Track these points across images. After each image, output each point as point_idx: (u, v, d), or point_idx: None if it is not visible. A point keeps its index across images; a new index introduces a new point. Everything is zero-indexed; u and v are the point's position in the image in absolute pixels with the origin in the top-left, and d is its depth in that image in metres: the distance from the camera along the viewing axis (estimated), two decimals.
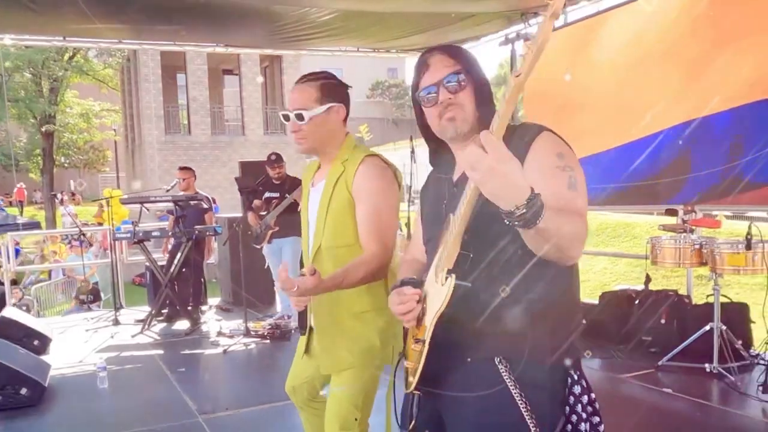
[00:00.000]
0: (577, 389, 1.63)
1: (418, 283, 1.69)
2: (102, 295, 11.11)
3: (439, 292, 1.52)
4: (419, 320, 1.63)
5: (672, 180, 5.14)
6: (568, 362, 1.63)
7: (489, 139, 1.26)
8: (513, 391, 1.56)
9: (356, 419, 2.29)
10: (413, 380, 1.64)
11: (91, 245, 13.10)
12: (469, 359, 1.62)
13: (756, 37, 4.57)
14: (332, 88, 2.33)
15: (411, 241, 2.04)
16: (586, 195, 1.55)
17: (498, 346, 1.59)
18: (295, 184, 6.09)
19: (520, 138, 1.58)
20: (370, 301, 2.28)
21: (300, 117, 2.28)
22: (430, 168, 1.94)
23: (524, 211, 1.28)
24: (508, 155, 1.27)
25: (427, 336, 1.56)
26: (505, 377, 1.58)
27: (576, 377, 1.64)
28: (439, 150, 1.82)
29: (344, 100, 2.35)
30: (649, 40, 5.39)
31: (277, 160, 6.44)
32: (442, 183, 1.79)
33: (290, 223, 5.32)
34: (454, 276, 1.47)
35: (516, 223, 1.31)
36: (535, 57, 1.22)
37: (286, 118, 2.33)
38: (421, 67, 1.72)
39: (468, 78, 1.68)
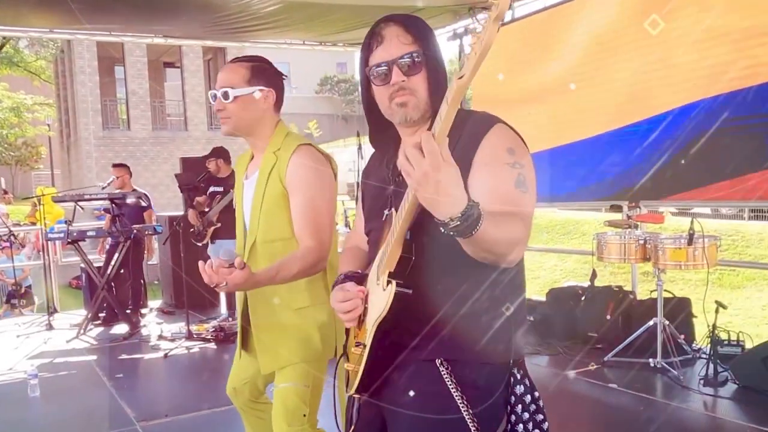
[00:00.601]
0: (519, 389, 1.62)
1: (361, 278, 1.67)
2: (36, 298, 10.79)
3: (380, 297, 1.49)
4: (360, 321, 1.61)
5: (617, 177, 5.28)
6: (510, 362, 1.63)
7: (428, 143, 1.23)
8: (454, 394, 1.55)
9: (304, 415, 2.28)
10: (354, 384, 1.62)
11: (23, 246, 12.69)
12: (409, 361, 1.60)
13: (703, 39, 4.73)
14: (263, 71, 2.31)
15: (354, 227, 1.99)
16: (535, 193, 1.53)
17: (439, 347, 1.57)
18: None
19: (472, 129, 1.55)
20: (309, 296, 2.28)
21: (225, 95, 2.26)
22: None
23: (458, 223, 1.27)
24: (445, 163, 1.24)
25: (368, 341, 1.54)
26: (446, 379, 1.56)
27: (519, 377, 1.63)
28: (382, 129, 1.74)
29: (275, 86, 2.33)
30: (599, 35, 5.51)
31: (210, 154, 6.40)
32: (385, 169, 1.74)
33: (234, 223, 5.27)
34: (394, 283, 1.45)
35: (450, 233, 1.29)
36: (479, 59, 1.18)
37: (213, 97, 2.29)
38: (374, 38, 1.63)
39: (424, 60, 1.59)
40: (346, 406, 1.81)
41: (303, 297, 2.28)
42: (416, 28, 1.62)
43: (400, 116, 1.62)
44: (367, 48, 1.64)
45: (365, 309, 1.59)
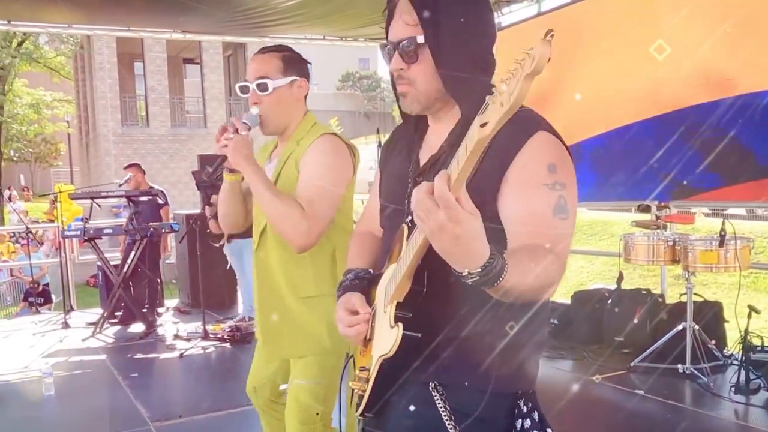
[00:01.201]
0: (525, 423, 1.46)
1: (372, 279, 1.59)
2: (53, 297, 10.93)
3: (385, 332, 1.40)
4: (366, 340, 1.54)
5: (645, 175, 5.22)
6: (518, 391, 1.48)
7: (443, 197, 1.07)
8: (446, 422, 1.43)
9: (318, 413, 2.27)
10: (360, 406, 1.56)
11: (41, 244, 12.86)
12: (410, 383, 1.50)
13: (735, 33, 4.66)
14: (296, 61, 2.32)
15: (366, 209, 1.86)
16: (575, 215, 1.37)
17: (437, 370, 1.46)
18: None
19: (508, 135, 1.23)
20: (315, 285, 2.27)
21: (263, 87, 2.24)
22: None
23: (477, 277, 1.14)
24: (465, 214, 1.08)
25: (373, 372, 1.47)
26: (438, 405, 1.45)
27: (525, 409, 1.47)
28: None
29: (307, 75, 2.33)
30: (627, 29, 5.46)
31: None
32: (406, 161, 1.59)
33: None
34: (401, 327, 1.35)
35: (468, 283, 1.17)
36: (505, 115, 1.03)
37: (245, 89, 2.27)
38: (390, 13, 1.49)
39: (429, 45, 1.41)
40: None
41: (309, 285, 2.27)
42: (426, 2, 1.41)
43: (402, 105, 1.51)
44: (387, 22, 1.51)
45: (372, 329, 1.52)
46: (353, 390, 1.61)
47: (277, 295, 2.32)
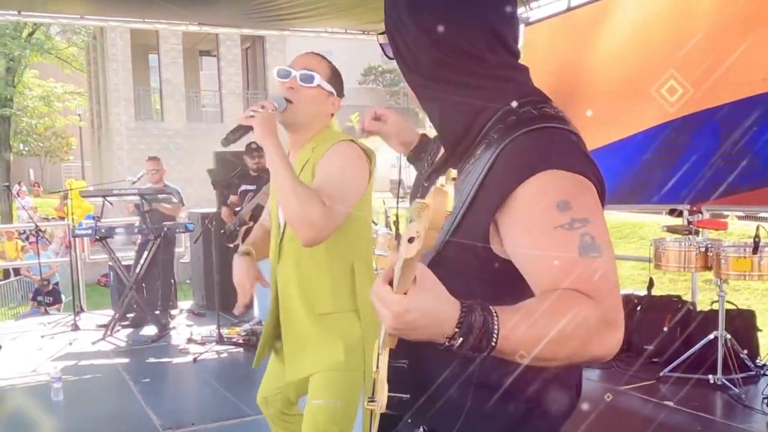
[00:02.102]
0: None
1: None
2: (63, 297, 11.07)
3: (382, 381, 1.30)
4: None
5: (673, 177, 5.20)
6: None
7: (376, 294, 1.04)
8: None
9: None
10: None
11: (50, 242, 13.02)
12: (402, 425, 1.41)
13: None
14: (340, 80, 2.40)
15: None
16: (612, 253, 1.18)
17: (426, 411, 1.34)
18: None
19: (508, 169, 1.19)
20: (333, 301, 2.29)
21: (308, 78, 2.28)
22: None
23: (461, 339, 1.04)
24: (408, 301, 1.01)
25: (379, 411, 1.38)
26: None
27: None
28: None
29: (341, 97, 2.41)
30: (651, 28, 5.45)
31: (258, 148, 6.44)
32: (427, 159, 1.57)
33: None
34: (386, 389, 1.26)
35: (463, 352, 1.06)
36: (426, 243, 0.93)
37: (285, 74, 2.29)
38: None
39: (394, 52, 1.37)
40: None
41: (326, 301, 2.29)
42: (386, 4, 1.37)
43: None
44: None
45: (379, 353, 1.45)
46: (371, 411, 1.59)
47: (294, 311, 2.34)
